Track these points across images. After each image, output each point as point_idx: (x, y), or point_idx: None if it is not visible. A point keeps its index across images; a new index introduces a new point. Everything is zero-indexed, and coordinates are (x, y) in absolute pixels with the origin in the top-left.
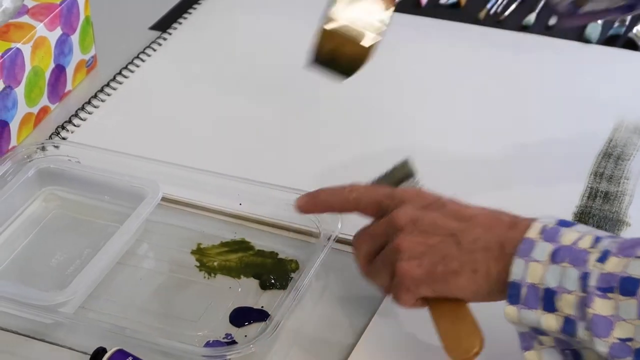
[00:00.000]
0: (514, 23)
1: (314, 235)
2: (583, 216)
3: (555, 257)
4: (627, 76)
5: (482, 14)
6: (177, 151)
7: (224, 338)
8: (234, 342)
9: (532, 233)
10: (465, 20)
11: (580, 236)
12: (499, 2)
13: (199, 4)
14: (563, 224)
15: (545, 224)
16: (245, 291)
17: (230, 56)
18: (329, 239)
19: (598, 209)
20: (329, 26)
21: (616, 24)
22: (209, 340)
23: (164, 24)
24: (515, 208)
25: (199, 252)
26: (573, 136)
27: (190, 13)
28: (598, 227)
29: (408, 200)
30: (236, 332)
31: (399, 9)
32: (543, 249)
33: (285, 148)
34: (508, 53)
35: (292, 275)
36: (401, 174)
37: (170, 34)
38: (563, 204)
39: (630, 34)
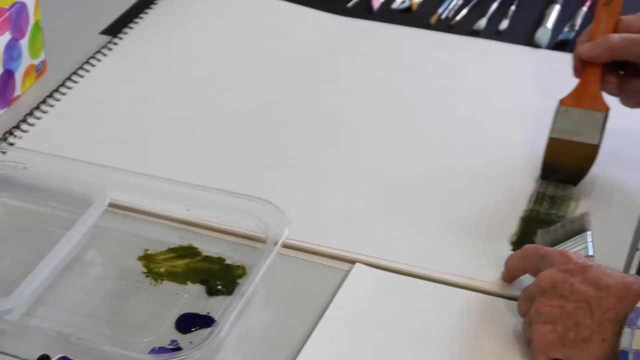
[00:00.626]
0: (465, 28)
1: (261, 240)
2: (530, 220)
3: None
4: (576, 79)
5: (434, 19)
6: (125, 157)
7: (169, 344)
8: (179, 349)
9: None
10: (417, 25)
11: None
12: (450, 7)
13: (150, 8)
14: None
15: None
16: (192, 297)
17: (181, 61)
18: (275, 244)
19: (545, 213)
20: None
21: (566, 29)
22: (155, 347)
23: (115, 29)
24: (464, 213)
25: (146, 258)
26: (523, 140)
27: (141, 18)
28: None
29: (556, 262)
30: (182, 339)
31: (351, 13)
32: None
33: (235, 153)
34: (459, 58)
35: (239, 280)
36: (576, 227)
37: (120, 38)
38: (511, 208)
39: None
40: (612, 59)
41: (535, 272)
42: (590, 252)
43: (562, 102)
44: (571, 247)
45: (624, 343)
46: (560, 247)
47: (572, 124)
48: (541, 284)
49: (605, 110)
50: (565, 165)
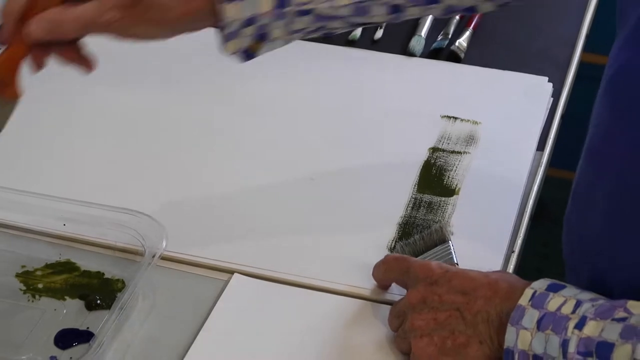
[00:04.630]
0: (341, 38)
1: (139, 253)
2: (407, 226)
3: (540, 325)
4: (450, 87)
5: None
6: None
7: None
8: None
9: (524, 300)
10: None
11: (564, 301)
12: None
13: None
14: (553, 288)
15: (536, 289)
16: (71, 313)
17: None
18: (153, 256)
19: (422, 218)
20: None
21: (439, 37)
22: None
23: None
24: (342, 220)
25: (23, 275)
26: (398, 147)
27: None
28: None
29: (420, 277)
30: (61, 355)
31: None
32: (531, 317)
33: (110, 165)
34: (335, 67)
35: (118, 294)
36: (436, 238)
37: None
38: (388, 214)
39: (452, 47)
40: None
41: (401, 283)
42: (455, 261)
43: None
44: (433, 259)
45: (508, 341)
46: (423, 258)
47: None
48: (411, 301)
49: (16, 98)
50: None
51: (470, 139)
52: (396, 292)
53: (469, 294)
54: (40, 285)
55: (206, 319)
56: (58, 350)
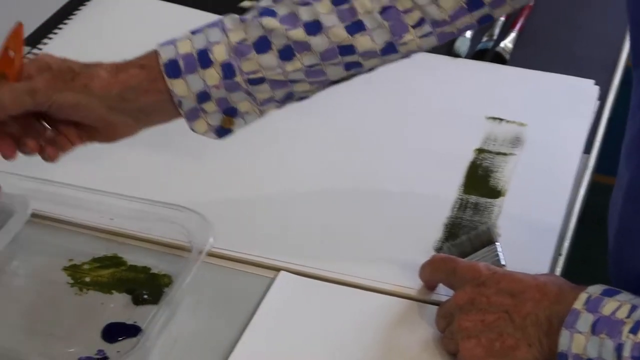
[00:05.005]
0: None
1: (186, 249)
2: (453, 227)
3: (595, 329)
4: (496, 89)
5: None
6: (44, 167)
7: (96, 354)
8: (106, 358)
9: (578, 304)
10: None
11: (619, 306)
12: None
13: (70, 19)
14: (608, 293)
15: (591, 294)
16: (118, 307)
17: None
18: (200, 253)
19: (468, 219)
20: None
21: (485, 39)
22: (81, 357)
23: (35, 39)
24: (388, 220)
25: (71, 269)
26: (444, 148)
27: (60, 28)
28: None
29: (468, 278)
30: (108, 348)
31: None
32: (586, 320)
33: (160, 162)
34: (382, 69)
35: (165, 290)
36: (483, 239)
37: (40, 49)
38: (434, 215)
39: (498, 49)
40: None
41: (447, 284)
42: (503, 262)
43: None
44: (480, 260)
45: (562, 345)
46: (470, 259)
47: None
48: (458, 302)
49: None
50: None
51: (516, 141)
52: (443, 292)
53: (517, 296)
54: (87, 279)
55: (252, 316)
56: (105, 344)
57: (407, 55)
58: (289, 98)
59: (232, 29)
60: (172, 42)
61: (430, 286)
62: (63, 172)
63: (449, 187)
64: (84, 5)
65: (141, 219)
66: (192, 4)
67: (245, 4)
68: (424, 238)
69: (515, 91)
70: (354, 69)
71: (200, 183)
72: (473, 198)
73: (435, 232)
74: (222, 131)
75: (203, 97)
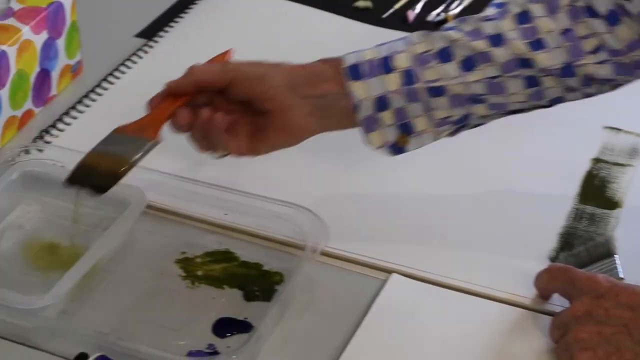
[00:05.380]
0: None
1: (299, 247)
2: (569, 237)
3: None
4: (614, 98)
5: None
6: (161, 159)
7: (206, 348)
8: (216, 353)
9: None
10: None
11: None
12: None
13: (186, 13)
14: None
15: None
16: (229, 302)
17: None
18: (314, 251)
19: (584, 230)
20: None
21: None
22: (192, 350)
23: (150, 32)
24: (503, 227)
25: (184, 262)
26: (560, 156)
27: (176, 22)
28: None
29: (586, 289)
30: (219, 343)
31: (386, 24)
32: None
33: (274, 159)
34: None
35: (277, 287)
36: (601, 251)
37: (156, 42)
38: (549, 224)
39: None
40: (199, 90)
41: (564, 294)
42: (621, 275)
43: (118, 129)
44: (598, 272)
45: None
46: (587, 270)
47: (115, 144)
48: (575, 313)
49: (154, 137)
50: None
51: (634, 152)
52: (557, 302)
53: (637, 310)
54: (199, 273)
55: (363, 317)
56: (216, 338)
57: (586, 83)
58: (465, 120)
59: (417, 41)
60: (357, 51)
61: (544, 295)
62: (175, 165)
63: (564, 196)
64: (199, 0)
65: (255, 215)
66: (305, 1)
67: (359, 3)
68: (539, 247)
69: (634, 101)
70: (532, 87)
71: (316, 182)
72: (589, 208)
73: (549, 241)
74: (397, 149)
75: (381, 103)
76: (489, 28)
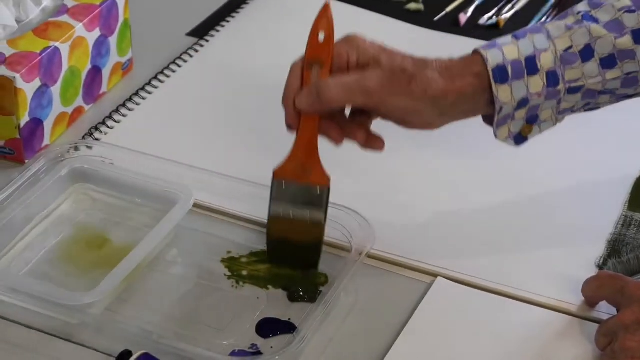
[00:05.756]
0: None
1: (345, 249)
2: (617, 244)
3: None
4: None
5: None
6: (209, 158)
7: (249, 348)
8: (259, 353)
9: None
10: None
11: None
12: None
13: (238, 12)
14: None
15: None
16: (273, 302)
17: (268, 66)
18: (360, 254)
19: (632, 237)
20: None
21: None
22: (235, 350)
23: (202, 31)
24: (549, 233)
25: (229, 261)
26: (609, 162)
27: (228, 21)
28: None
29: (636, 297)
30: (262, 343)
31: (438, 27)
32: None
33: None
34: None
35: (321, 289)
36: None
37: (207, 41)
38: (597, 230)
39: None
40: (331, 110)
41: (612, 302)
42: None
43: (277, 173)
44: None
45: None
46: (637, 279)
47: (291, 199)
48: (624, 321)
49: (326, 183)
50: (293, 245)
51: None
52: (604, 310)
53: None
54: (244, 272)
55: (408, 320)
56: (259, 339)
57: None
58: (583, 108)
59: (558, 36)
60: (498, 46)
61: (592, 303)
62: (223, 164)
63: (613, 203)
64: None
65: None
66: (356, 2)
67: (411, 6)
68: (586, 253)
69: None
70: None
71: (362, 183)
72: (638, 216)
73: (597, 248)
74: (520, 138)
75: (522, 103)
76: (631, 21)
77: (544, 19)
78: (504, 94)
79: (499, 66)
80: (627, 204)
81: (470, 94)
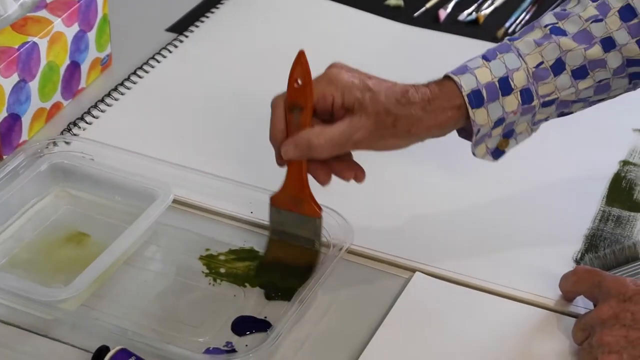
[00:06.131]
0: None
1: (324, 246)
2: (594, 239)
3: None
4: None
5: (500, 33)
6: (188, 154)
7: (224, 346)
8: (233, 351)
9: None
10: (483, 38)
11: None
12: (517, 21)
13: (217, 8)
14: None
15: None
16: (250, 300)
17: (246, 61)
18: (340, 250)
19: (610, 232)
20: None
21: None
22: (209, 347)
23: (181, 27)
24: (527, 228)
25: (207, 258)
26: (588, 158)
27: (207, 17)
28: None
29: (613, 292)
30: (237, 341)
31: (417, 23)
32: None
33: None
34: None
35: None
36: (628, 255)
37: (186, 36)
38: (575, 226)
39: None
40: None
41: (589, 296)
42: None
43: (273, 201)
44: (624, 275)
45: None
46: (613, 274)
47: (287, 225)
48: (601, 316)
49: (318, 215)
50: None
51: None
52: (581, 305)
53: None
54: (222, 270)
55: (385, 315)
56: (234, 336)
57: None
58: (557, 115)
59: (529, 53)
60: (469, 70)
61: (569, 297)
62: (205, 161)
63: (591, 198)
64: None
65: None
66: None
67: (391, 2)
68: (564, 248)
69: None
70: (634, 81)
71: (340, 180)
72: (616, 210)
73: (575, 243)
74: (497, 152)
75: (498, 122)
76: (599, 30)
77: (522, 15)
78: (481, 116)
79: (474, 91)
80: (604, 199)
81: (451, 125)
